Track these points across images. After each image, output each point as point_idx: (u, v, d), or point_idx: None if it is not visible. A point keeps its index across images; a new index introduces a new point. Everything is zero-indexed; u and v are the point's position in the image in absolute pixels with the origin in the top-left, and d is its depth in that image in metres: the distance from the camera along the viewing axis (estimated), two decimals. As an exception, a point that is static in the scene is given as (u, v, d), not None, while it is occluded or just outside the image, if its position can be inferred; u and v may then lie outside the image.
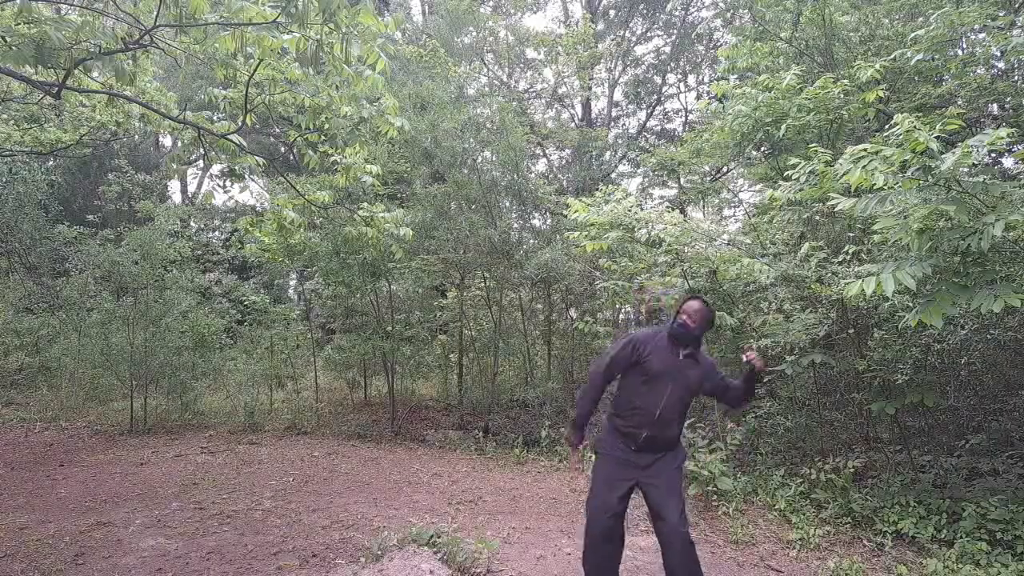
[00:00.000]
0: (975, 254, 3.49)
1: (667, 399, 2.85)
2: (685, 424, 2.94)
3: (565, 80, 14.69)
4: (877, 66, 5.37)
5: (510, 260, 8.84)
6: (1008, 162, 7.03)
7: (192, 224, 14.94)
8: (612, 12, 17.32)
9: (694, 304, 2.94)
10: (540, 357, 10.73)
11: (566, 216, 6.71)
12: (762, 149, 8.01)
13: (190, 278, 9.47)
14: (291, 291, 16.66)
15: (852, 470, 4.97)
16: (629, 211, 5.89)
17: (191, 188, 20.66)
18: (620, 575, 3.02)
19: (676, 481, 2.86)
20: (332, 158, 5.59)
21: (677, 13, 16.71)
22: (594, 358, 3.02)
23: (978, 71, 5.89)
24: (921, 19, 6.16)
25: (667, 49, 16.95)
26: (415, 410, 10.01)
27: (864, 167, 3.53)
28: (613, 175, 14.95)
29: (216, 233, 17.09)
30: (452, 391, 10.19)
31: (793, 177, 4.61)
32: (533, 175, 11.83)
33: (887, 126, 4.02)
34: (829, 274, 5.17)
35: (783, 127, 5.78)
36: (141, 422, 8.25)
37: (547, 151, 15.67)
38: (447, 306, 10.62)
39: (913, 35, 5.40)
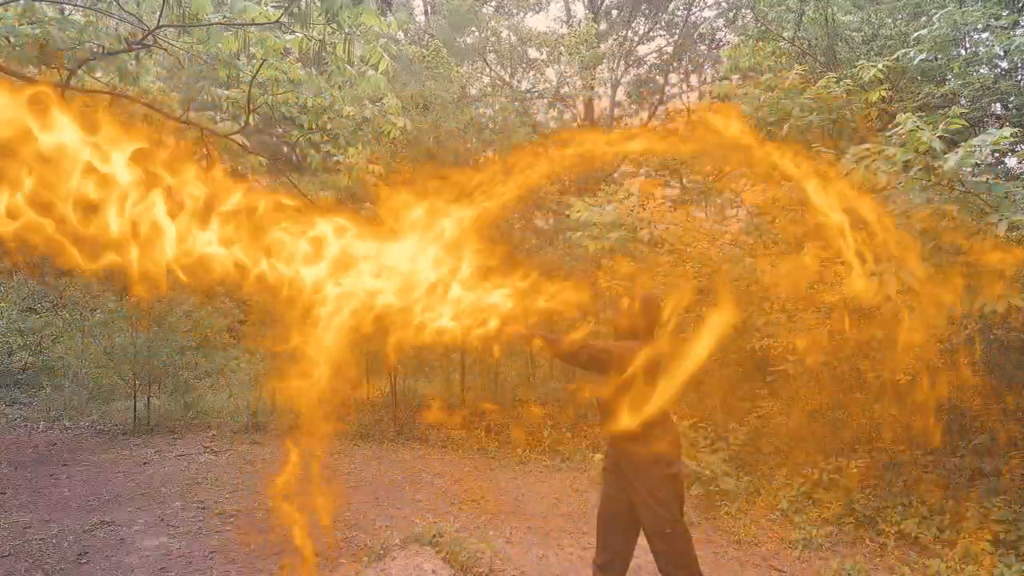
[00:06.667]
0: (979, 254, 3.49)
1: None
2: (641, 418, 2.93)
3: (567, 80, 14.68)
4: (880, 66, 5.35)
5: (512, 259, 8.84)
6: (1012, 162, 6.98)
7: (195, 224, 14.93)
8: (615, 12, 17.31)
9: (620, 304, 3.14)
10: (542, 357, 10.72)
11: (568, 216, 6.70)
12: (764, 149, 7.99)
13: (193, 278, 9.46)
14: (293, 291, 16.65)
15: (855, 470, 4.97)
16: (631, 211, 5.89)
17: (194, 188, 20.70)
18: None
19: (646, 484, 2.91)
20: (335, 158, 5.60)
21: (679, 13, 16.68)
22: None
23: (981, 71, 5.88)
24: (924, 19, 6.15)
25: (669, 49, 16.92)
26: (417, 409, 10.02)
27: (867, 167, 3.53)
28: (615, 175, 14.93)
29: (219, 233, 17.08)
30: (455, 390, 10.19)
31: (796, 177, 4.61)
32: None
33: (890, 126, 4.01)
34: (832, 274, 5.16)
35: (785, 127, 5.77)
36: (144, 421, 8.27)
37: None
38: (449, 306, 10.59)
39: (916, 35, 5.39)
